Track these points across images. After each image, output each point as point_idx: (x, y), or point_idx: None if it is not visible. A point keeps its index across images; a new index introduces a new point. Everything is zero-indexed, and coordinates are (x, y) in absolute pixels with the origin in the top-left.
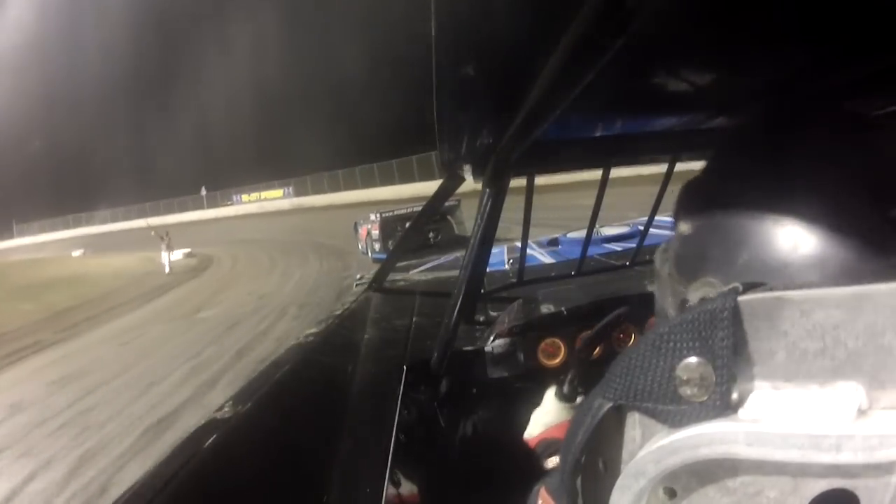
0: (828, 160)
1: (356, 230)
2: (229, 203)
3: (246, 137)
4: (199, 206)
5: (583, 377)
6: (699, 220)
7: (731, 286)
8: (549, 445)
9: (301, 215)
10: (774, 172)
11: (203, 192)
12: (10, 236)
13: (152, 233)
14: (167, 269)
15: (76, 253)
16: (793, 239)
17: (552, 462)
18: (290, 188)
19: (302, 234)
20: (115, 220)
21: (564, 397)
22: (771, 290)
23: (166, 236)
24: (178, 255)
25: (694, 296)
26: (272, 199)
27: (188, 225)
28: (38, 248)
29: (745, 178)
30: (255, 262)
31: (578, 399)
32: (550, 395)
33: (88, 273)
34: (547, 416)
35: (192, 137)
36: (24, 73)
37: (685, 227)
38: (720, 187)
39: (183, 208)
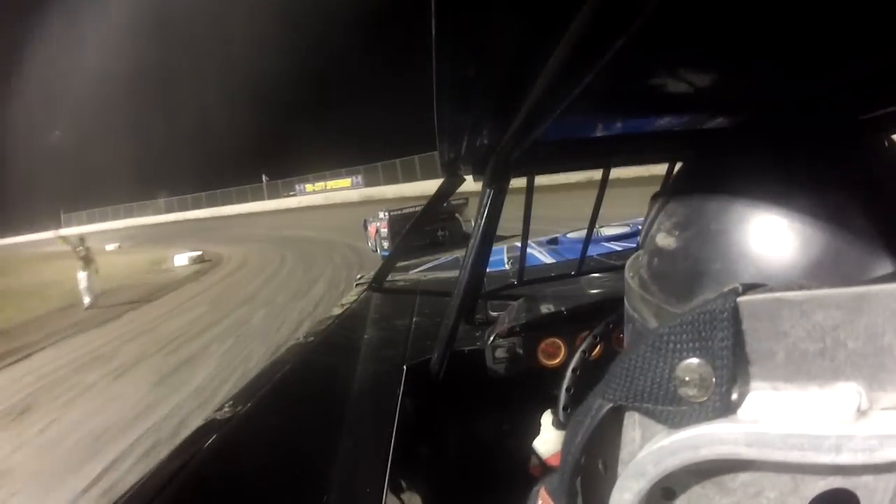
0: (826, 162)
1: (365, 228)
2: (292, 193)
3: (312, 117)
4: (259, 197)
5: (577, 397)
6: (686, 233)
7: (730, 287)
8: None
9: (371, 208)
10: (766, 175)
11: (264, 179)
12: (58, 226)
13: (60, 243)
14: (86, 302)
15: (110, 247)
16: (790, 242)
17: None
18: (360, 177)
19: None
20: (170, 210)
21: (561, 425)
22: (771, 290)
23: (82, 248)
24: (182, 259)
25: None
26: (339, 188)
27: (239, 217)
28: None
29: (729, 183)
30: (285, 282)
31: None
32: (547, 423)
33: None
34: (546, 444)
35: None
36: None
37: (667, 241)
38: (704, 195)
39: (242, 199)
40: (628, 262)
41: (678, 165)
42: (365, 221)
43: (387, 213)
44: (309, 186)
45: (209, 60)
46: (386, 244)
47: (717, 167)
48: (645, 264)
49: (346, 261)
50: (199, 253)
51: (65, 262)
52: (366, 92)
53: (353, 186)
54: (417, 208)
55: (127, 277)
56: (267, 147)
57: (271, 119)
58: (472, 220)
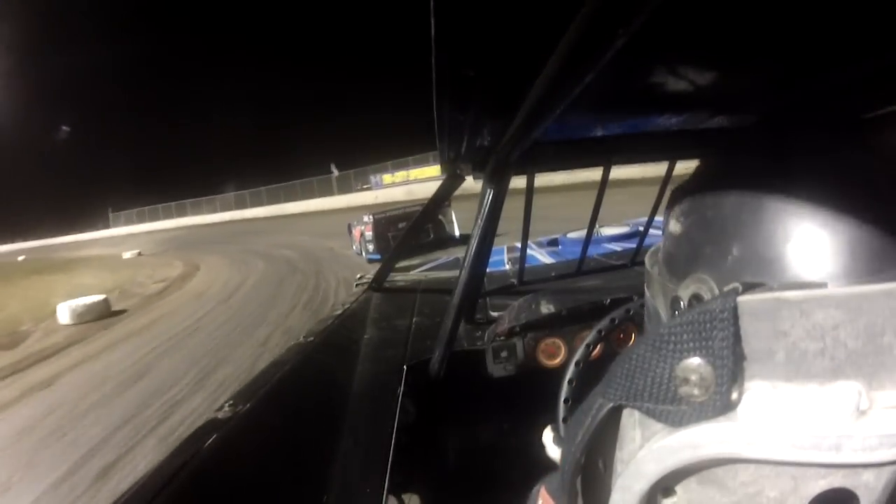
0: (825, 160)
1: (350, 231)
2: (366, 186)
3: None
4: (327, 192)
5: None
6: (688, 219)
7: (730, 286)
8: None
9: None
10: (765, 171)
11: (334, 171)
12: (106, 226)
13: None
14: None
15: (128, 254)
16: (784, 234)
17: None
18: None
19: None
20: (226, 208)
21: (562, 441)
22: (771, 290)
23: None
24: (67, 313)
25: (685, 293)
26: (425, 179)
27: (299, 218)
28: (108, 242)
29: (730, 177)
30: None
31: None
32: (549, 441)
33: None
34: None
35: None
36: None
37: (675, 228)
38: (708, 187)
39: (307, 194)
40: (650, 251)
41: (695, 163)
42: (349, 225)
43: (371, 216)
44: (387, 177)
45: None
46: (371, 247)
47: (726, 164)
48: (661, 250)
49: None
50: (102, 297)
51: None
52: None
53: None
54: (403, 210)
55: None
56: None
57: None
58: (453, 222)
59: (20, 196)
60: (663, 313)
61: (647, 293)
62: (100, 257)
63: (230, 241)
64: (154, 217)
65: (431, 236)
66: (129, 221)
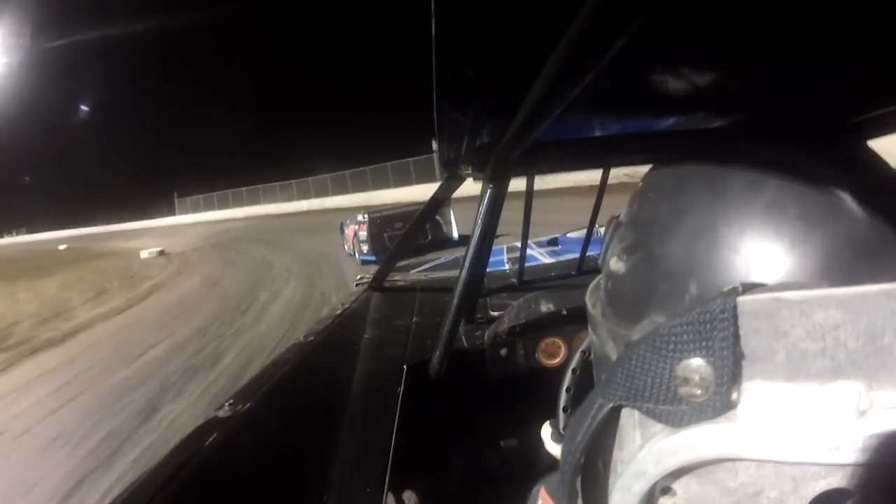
0: (824, 162)
1: (342, 231)
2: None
3: None
4: (429, 175)
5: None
6: (634, 257)
7: (730, 287)
8: None
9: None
10: (728, 191)
11: (436, 146)
12: (172, 212)
13: None
14: None
15: (146, 254)
16: (791, 246)
17: None
18: None
19: None
20: (304, 196)
21: (561, 438)
22: (771, 290)
23: None
24: None
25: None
26: None
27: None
28: (160, 232)
29: (677, 200)
30: None
31: None
32: (547, 437)
33: None
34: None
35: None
36: None
37: (618, 266)
38: (651, 218)
39: (403, 179)
40: (589, 289)
41: (641, 182)
42: (341, 224)
43: (366, 216)
44: None
45: None
46: (365, 248)
47: (675, 183)
48: (602, 288)
49: None
50: None
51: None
52: None
53: None
54: (400, 210)
55: None
56: None
57: None
58: (453, 222)
59: (89, 179)
60: (614, 357)
61: (594, 336)
62: (118, 253)
63: (297, 239)
64: (224, 204)
65: (429, 237)
66: (195, 208)
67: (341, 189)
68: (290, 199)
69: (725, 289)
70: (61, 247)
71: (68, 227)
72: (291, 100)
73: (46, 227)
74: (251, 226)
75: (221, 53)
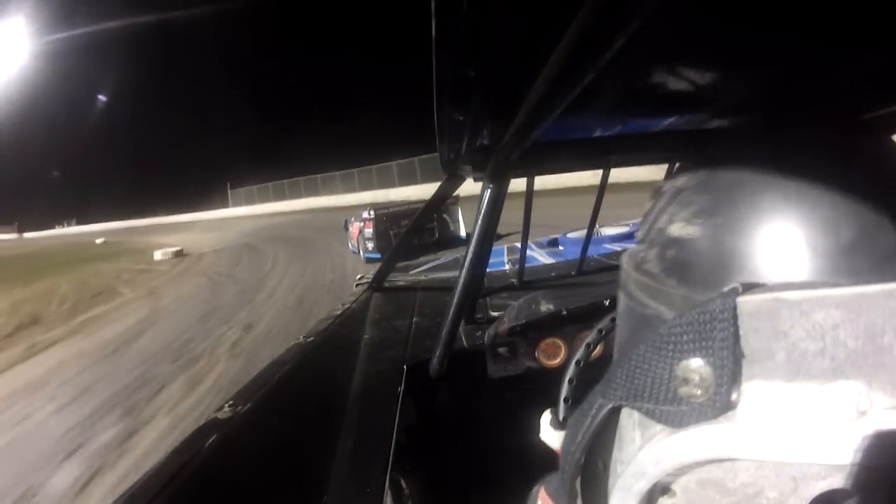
0: (825, 160)
1: (346, 228)
2: None
3: None
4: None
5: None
6: (712, 220)
7: (730, 286)
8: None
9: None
10: (765, 170)
11: None
12: (225, 204)
13: None
14: None
15: (158, 255)
16: (804, 238)
17: None
18: None
19: None
20: (367, 187)
21: (560, 425)
22: (770, 290)
23: None
24: None
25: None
26: None
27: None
28: (204, 226)
29: (736, 174)
30: None
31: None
32: (546, 423)
33: None
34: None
35: None
36: None
37: (686, 230)
38: (730, 187)
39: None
40: (625, 257)
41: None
42: (346, 221)
43: (372, 212)
44: None
45: None
46: (370, 245)
47: (737, 160)
48: (655, 257)
49: None
50: None
51: None
52: None
53: None
54: (407, 207)
55: None
56: None
57: None
58: (461, 220)
59: (144, 169)
60: (667, 316)
61: (633, 304)
62: (140, 251)
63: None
64: (280, 195)
65: (437, 236)
66: (249, 200)
67: (410, 178)
68: (351, 190)
69: (727, 288)
70: (98, 241)
71: (119, 219)
72: (353, 84)
73: (97, 218)
74: (303, 221)
75: (282, 39)
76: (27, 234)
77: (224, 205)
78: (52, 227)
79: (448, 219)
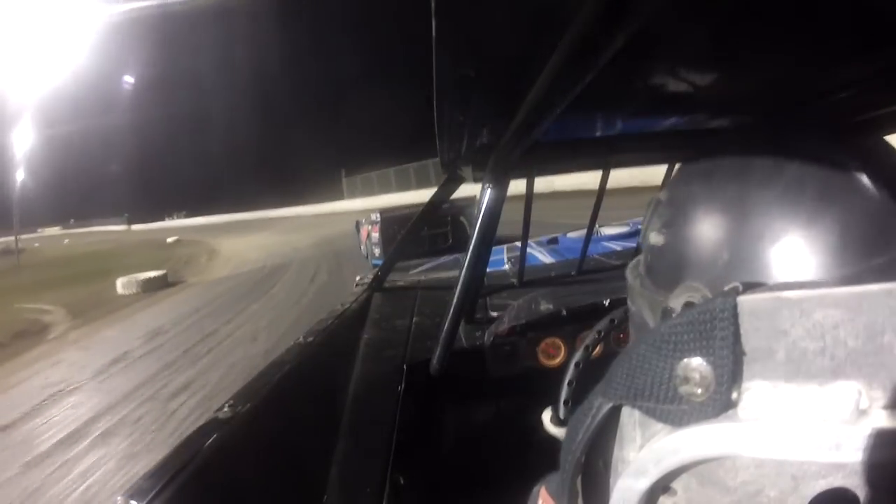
0: (824, 160)
1: (357, 230)
2: None
3: None
4: None
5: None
6: (671, 230)
7: (731, 286)
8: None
9: None
10: (759, 171)
11: None
12: (339, 195)
13: None
14: None
15: (119, 287)
16: (776, 235)
17: None
18: None
19: None
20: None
21: (560, 422)
22: (770, 289)
23: None
24: None
25: (676, 302)
26: None
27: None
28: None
29: (713, 182)
30: None
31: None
32: (546, 421)
33: None
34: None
35: None
36: None
37: (657, 240)
38: (687, 196)
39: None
40: (630, 265)
41: (676, 167)
42: (357, 223)
43: (379, 216)
44: None
45: None
46: (377, 251)
47: (710, 167)
48: (642, 263)
49: None
50: None
51: None
52: None
53: None
54: (413, 211)
55: None
56: None
57: None
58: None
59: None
60: (652, 324)
61: (632, 306)
62: (163, 260)
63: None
64: (404, 184)
65: (450, 241)
66: (367, 191)
67: None
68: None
69: (727, 287)
70: (169, 239)
71: (226, 213)
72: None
73: (207, 210)
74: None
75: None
76: (134, 227)
77: (339, 196)
78: (161, 218)
79: (465, 222)
